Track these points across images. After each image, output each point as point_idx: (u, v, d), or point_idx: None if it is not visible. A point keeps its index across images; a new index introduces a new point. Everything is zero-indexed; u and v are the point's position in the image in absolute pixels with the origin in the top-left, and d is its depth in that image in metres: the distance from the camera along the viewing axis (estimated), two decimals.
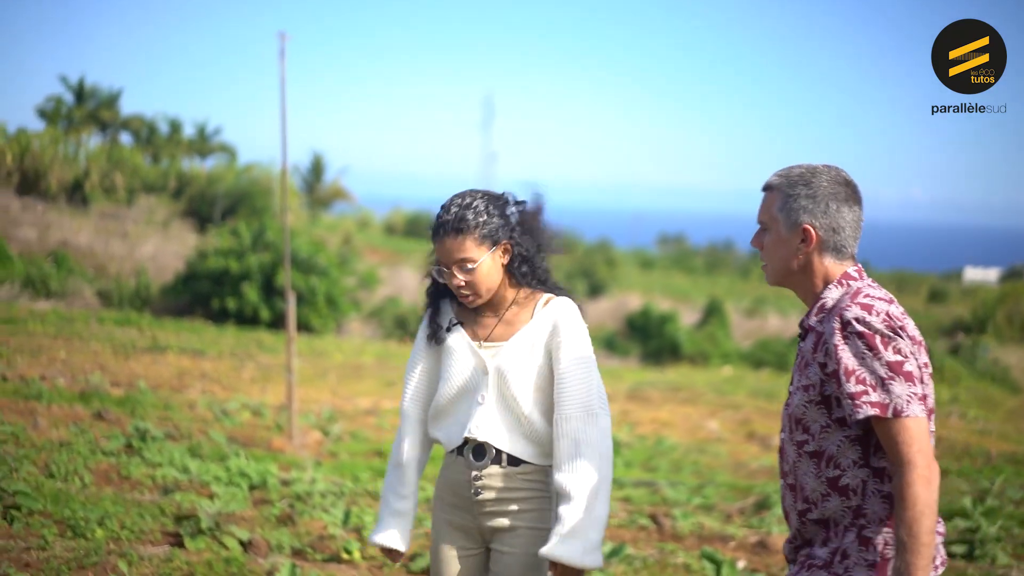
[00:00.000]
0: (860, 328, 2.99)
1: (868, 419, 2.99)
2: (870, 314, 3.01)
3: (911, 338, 3.04)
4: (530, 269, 3.76)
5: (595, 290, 42.39)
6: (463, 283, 3.73)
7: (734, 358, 29.48)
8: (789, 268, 3.24)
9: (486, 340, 3.79)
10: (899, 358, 2.97)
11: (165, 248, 31.39)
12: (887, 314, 3.02)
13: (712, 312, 32.83)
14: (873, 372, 2.96)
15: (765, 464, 12.34)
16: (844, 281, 3.18)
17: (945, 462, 12.53)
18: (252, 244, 25.43)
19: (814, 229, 3.18)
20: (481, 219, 3.69)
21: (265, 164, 42.09)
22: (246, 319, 24.59)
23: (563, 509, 3.54)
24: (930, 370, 3.13)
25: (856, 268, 3.22)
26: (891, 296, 3.14)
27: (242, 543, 6.87)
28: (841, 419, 3.05)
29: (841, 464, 3.07)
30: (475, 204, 3.72)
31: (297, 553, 6.98)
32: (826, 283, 3.21)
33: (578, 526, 3.48)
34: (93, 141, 45.18)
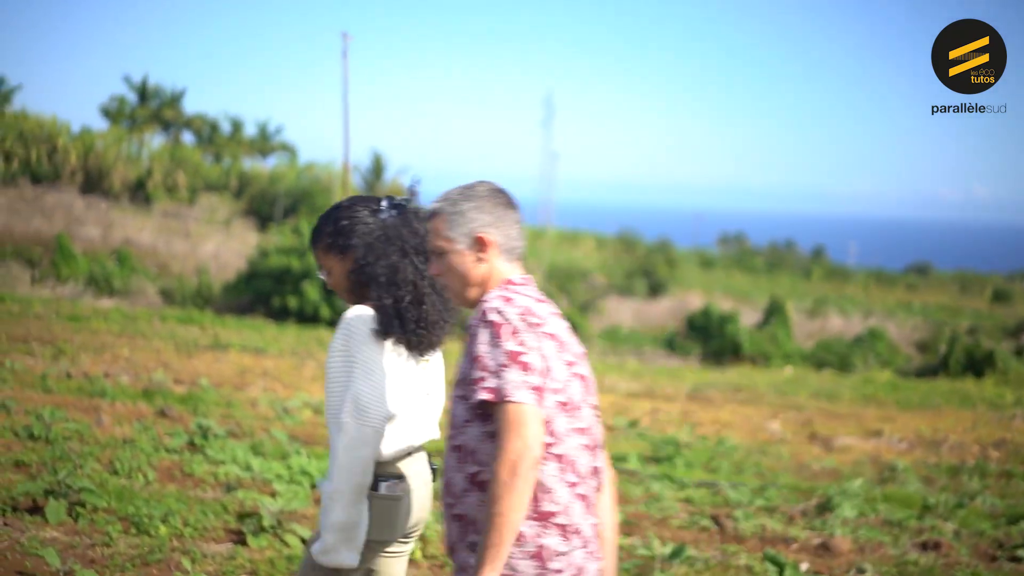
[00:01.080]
0: (492, 317, 3.07)
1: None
2: (506, 304, 3.09)
3: (551, 335, 3.13)
4: (358, 280, 3.76)
5: (655, 289, 42.30)
6: (328, 285, 3.89)
7: (795, 358, 29.26)
8: (471, 282, 3.29)
9: None
10: (520, 348, 3.02)
11: (227, 247, 31.69)
12: (526, 308, 3.11)
13: (773, 312, 32.58)
14: (494, 359, 3.02)
15: (828, 465, 12.23)
16: (505, 286, 3.24)
17: (1011, 465, 12.39)
18: None
19: (488, 235, 3.27)
20: (328, 228, 3.79)
21: (326, 163, 42.46)
22: (307, 317, 24.73)
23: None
24: (575, 370, 3.18)
25: (523, 277, 3.31)
26: (544, 299, 3.27)
27: (304, 541, 6.89)
28: (482, 413, 3.09)
29: (480, 459, 3.10)
30: (334, 213, 3.82)
31: None
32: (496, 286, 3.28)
33: (320, 528, 3.62)
34: (156, 140, 45.79)
